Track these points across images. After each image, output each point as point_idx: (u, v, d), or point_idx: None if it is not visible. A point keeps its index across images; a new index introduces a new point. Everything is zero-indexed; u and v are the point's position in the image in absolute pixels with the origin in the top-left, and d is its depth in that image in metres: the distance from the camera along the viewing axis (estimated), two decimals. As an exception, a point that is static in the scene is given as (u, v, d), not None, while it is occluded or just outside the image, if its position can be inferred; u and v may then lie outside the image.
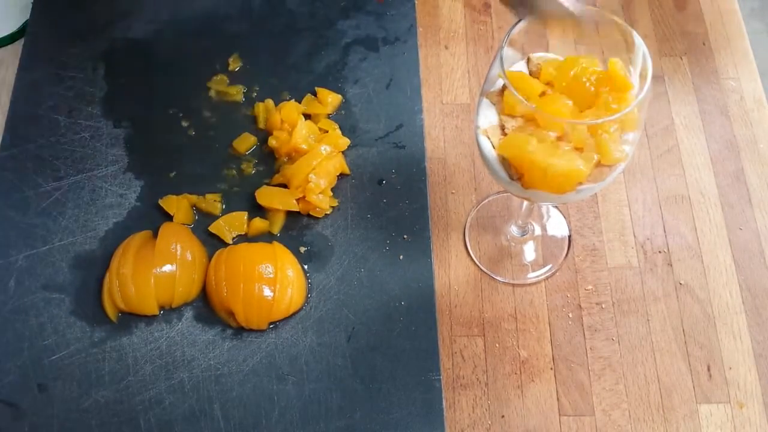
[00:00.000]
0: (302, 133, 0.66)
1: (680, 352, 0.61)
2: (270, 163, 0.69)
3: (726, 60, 0.75)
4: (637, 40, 0.49)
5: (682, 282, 0.64)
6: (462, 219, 0.67)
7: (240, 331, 0.61)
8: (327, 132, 0.69)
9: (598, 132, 0.47)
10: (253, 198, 0.67)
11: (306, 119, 0.69)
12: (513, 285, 0.64)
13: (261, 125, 0.69)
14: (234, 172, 0.68)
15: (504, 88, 0.50)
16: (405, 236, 0.65)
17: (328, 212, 0.66)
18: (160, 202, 0.66)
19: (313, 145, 0.66)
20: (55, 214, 0.66)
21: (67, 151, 0.69)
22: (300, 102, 0.71)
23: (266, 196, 0.65)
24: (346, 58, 0.74)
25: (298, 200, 0.65)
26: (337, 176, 0.67)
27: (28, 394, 0.59)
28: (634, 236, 0.66)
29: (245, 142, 0.69)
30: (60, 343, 0.61)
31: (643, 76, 0.48)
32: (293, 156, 0.67)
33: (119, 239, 0.64)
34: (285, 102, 0.70)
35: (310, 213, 0.66)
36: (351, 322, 0.61)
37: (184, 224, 0.65)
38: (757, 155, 0.70)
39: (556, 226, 0.67)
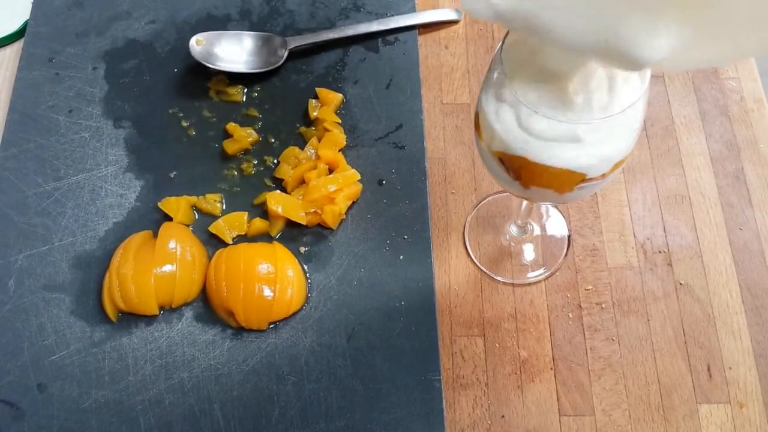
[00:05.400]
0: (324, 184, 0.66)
1: (680, 352, 0.61)
2: (270, 162, 0.69)
3: (726, 60, 0.75)
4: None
5: (682, 282, 0.64)
6: (462, 219, 0.67)
7: (240, 331, 0.61)
8: (330, 131, 0.69)
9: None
10: (253, 198, 0.67)
11: (310, 125, 0.70)
12: (513, 285, 0.64)
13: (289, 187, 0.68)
14: (234, 172, 0.68)
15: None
16: (405, 236, 0.65)
17: (333, 228, 0.65)
18: (160, 204, 0.66)
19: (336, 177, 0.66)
20: (55, 214, 0.66)
21: (67, 151, 0.69)
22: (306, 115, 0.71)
23: (276, 201, 0.65)
24: (346, 58, 0.74)
25: (306, 213, 0.65)
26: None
27: (28, 394, 0.59)
28: (634, 236, 0.66)
29: (235, 144, 0.69)
30: (60, 343, 0.61)
31: (642, 76, 0.48)
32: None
33: (119, 239, 0.64)
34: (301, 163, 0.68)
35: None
36: (351, 322, 0.61)
37: (184, 224, 0.65)
38: (757, 155, 0.70)
39: (556, 225, 0.67)
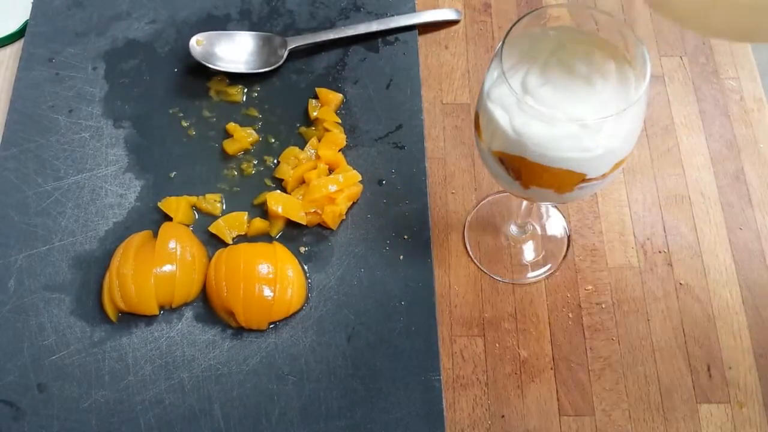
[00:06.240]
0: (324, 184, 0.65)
1: (680, 352, 0.61)
2: (270, 162, 0.69)
3: (726, 60, 0.75)
4: (637, 40, 0.49)
5: (682, 282, 0.64)
6: (462, 219, 0.67)
7: (240, 331, 0.61)
8: (330, 131, 0.69)
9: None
10: (253, 198, 0.67)
11: (310, 125, 0.70)
12: (513, 285, 0.64)
13: (289, 187, 0.67)
14: (234, 172, 0.68)
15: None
16: (405, 236, 0.65)
17: (333, 228, 0.65)
18: (160, 204, 0.66)
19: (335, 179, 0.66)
20: (55, 214, 0.66)
21: (67, 151, 0.69)
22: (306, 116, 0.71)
23: (276, 201, 0.64)
24: (346, 58, 0.74)
25: (306, 213, 0.65)
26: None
27: (28, 394, 0.59)
28: (634, 236, 0.66)
29: (235, 144, 0.69)
30: (60, 342, 0.61)
31: (642, 76, 0.48)
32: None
33: (119, 239, 0.64)
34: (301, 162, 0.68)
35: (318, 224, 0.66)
36: (351, 322, 0.61)
37: (184, 224, 0.65)
38: (757, 155, 0.70)
39: (556, 225, 0.67)
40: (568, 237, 0.66)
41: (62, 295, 0.63)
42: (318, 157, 0.67)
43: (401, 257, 0.64)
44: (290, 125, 0.71)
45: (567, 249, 0.66)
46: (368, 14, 0.77)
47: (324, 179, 0.65)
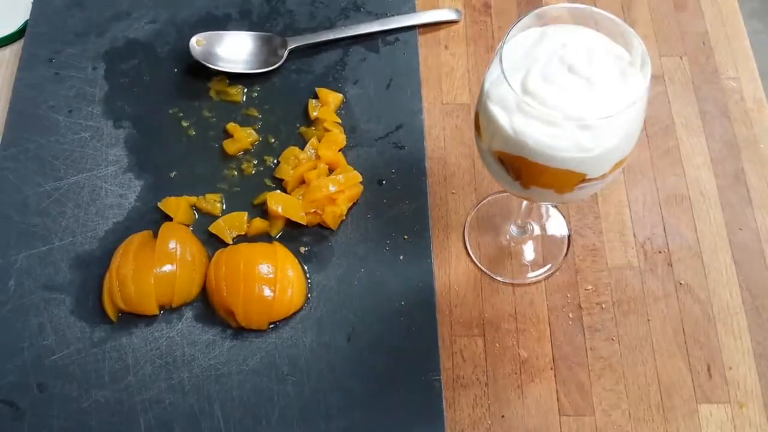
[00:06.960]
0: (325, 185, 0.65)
1: (680, 352, 0.61)
2: (270, 162, 0.69)
3: (726, 60, 0.75)
4: (637, 40, 0.49)
5: (682, 282, 0.64)
6: (462, 219, 0.67)
7: (240, 331, 0.61)
8: (330, 131, 0.69)
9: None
10: (253, 198, 0.67)
11: (311, 124, 0.70)
12: (513, 285, 0.64)
13: (289, 187, 0.67)
14: (234, 172, 0.68)
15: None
16: (405, 236, 0.65)
17: (333, 228, 0.65)
18: (160, 204, 0.66)
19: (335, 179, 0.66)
20: (55, 214, 0.66)
21: (67, 151, 0.69)
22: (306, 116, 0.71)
23: (276, 201, 0.64)
24: (346, 58, 0.74)
25: (306, 213, 0.65)
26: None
27: (28, 394, 0.59)
28: (634, 236, 0.66)
29: (235, 144, 0.69)
30: (60, 343, 0.61)
31: (642, 76, 0.48)
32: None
33: (119, 239, 0.64)
34: (301, 163, 0.68)
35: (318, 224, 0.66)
36: (351, 322, 0.61)
37: (184, 224, 0.65)
38: (757, 155, 0.70)
39: (556, 225, 0.67)
40: (569, 237, 0.66)
41: (62, 295, 0.63)
42: (318, 157, 0.67)
43: (401, 257, 0.64)
44: (290, 125, 0.71)
45: (567, 249, 0.66)
46: (368, 14, 0.77)
47: (324, 179, 0.65)
